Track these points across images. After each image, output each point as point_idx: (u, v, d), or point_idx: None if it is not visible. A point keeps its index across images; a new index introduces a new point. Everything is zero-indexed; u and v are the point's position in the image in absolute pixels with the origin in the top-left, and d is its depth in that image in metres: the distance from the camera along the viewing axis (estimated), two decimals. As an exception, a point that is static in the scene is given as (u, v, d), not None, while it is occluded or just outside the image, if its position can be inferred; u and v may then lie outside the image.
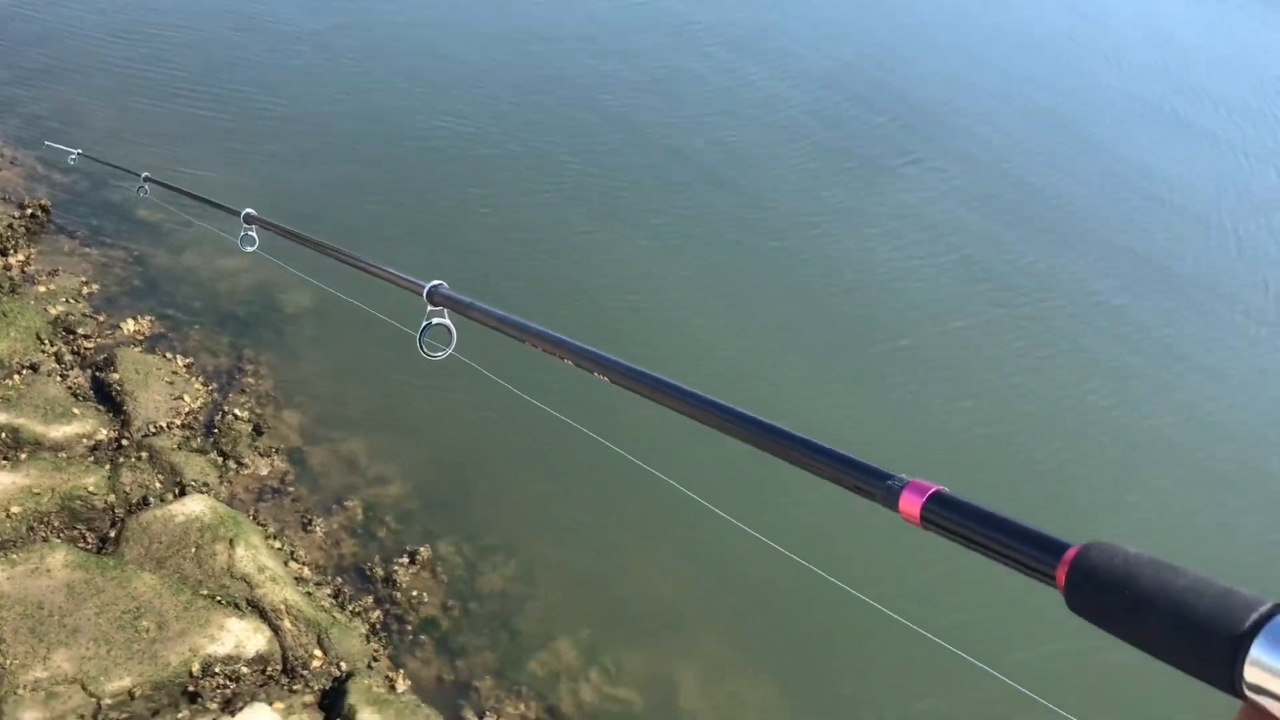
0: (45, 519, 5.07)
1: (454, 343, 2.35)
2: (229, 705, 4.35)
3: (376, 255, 2.71)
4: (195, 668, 4.46)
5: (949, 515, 1.07)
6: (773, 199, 9.82)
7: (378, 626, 5.15)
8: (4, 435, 5.43)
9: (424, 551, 5.53)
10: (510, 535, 5.85)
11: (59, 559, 4.70)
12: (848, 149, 11.03)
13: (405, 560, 5.47)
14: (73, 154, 6.75)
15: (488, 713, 4.81)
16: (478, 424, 6.54)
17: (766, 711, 5.21)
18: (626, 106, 11.02)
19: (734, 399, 1.47)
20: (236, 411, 6.13)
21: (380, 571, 5.41)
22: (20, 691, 4.09)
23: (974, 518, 1.04)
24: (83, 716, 4.13)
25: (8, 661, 4.18)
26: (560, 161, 9.68)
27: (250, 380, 6.44)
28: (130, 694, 4.27)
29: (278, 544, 5.33)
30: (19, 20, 10.04)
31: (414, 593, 5.33)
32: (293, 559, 5.28)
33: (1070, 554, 0.85)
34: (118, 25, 10.41)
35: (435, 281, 2.29)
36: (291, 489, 5.85)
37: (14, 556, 4.67)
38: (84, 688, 4.21)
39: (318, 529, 5.59)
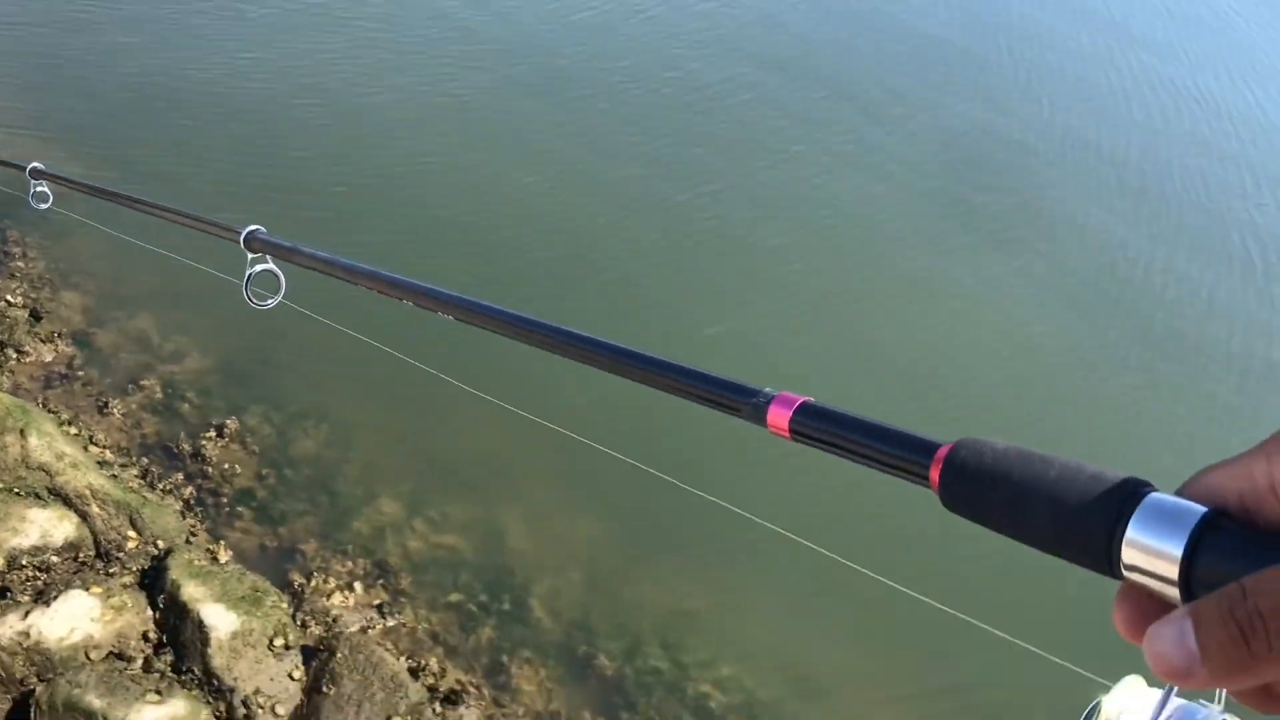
0: None
1: (283, 288, 2.27)
2: (42, 595, 4.25)
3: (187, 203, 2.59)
4: (0, 562, 4.33)
5: (818, 425, 1.05)
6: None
7: (192, 502, 5.08)
8: None
9: (231, 424, 5.44)
10: (319, 401, 5.78)
11: None
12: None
13: (212, 434, 5.37)
14: None
15: (315, 572, 4.87)
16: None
17: (595, 551, 5.39)
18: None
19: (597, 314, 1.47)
20: (9, 298, 5.77)
21: (187, 448, 5.30)
22: None
23: (843, 425, 1.01)
24: (-117, 623, 3.97)
25: None
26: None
27: (19, 264, 6.06)
28: (-68, 595, 4.12)
29: (74, 430, 5.14)
30: None
31: (225, 465, 5.26)
32: (92, 443, 5.11)
33: (941, 453, 0.83)
34: None
35: (252, 226, 2.17)
36: (81, 373, 5.60)
37: None
38: (-121, 594, 4.03)
39: (115, 411, 5.41)
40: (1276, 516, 0.59)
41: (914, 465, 0.89)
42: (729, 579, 5.36)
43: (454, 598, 5.00)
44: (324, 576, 4.86)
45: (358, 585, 4.88)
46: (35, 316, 5.73)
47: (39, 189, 3.56)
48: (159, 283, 6.24)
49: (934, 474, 0.83)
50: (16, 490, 4.60)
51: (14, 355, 5.52)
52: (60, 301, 5.93)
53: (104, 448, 5.14)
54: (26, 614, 4.09)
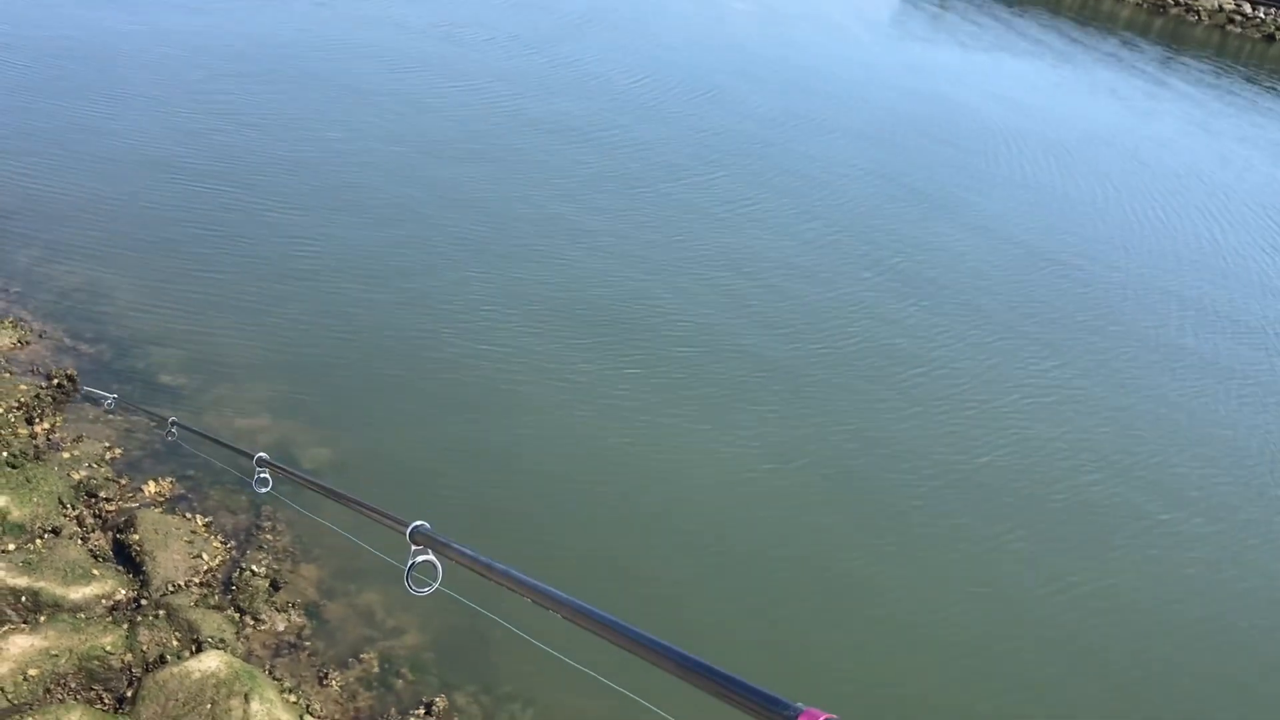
0: (62, 680, 5.07)
1: (439, 577, 2.52)
2: None
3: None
4: (208, 827, 4.39)
5: None
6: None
7: (394, 780, 5.07)
8: (24, 599, 5.48)
9: (440, 702, 5.49)
10: (527, 683, 5.80)
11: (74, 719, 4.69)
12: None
13: (421, 712, 5.43)
14: (109, 399, 7.09)
15: None
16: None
17: None
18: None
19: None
20: (254, 568, 6.17)
21: (397, 724, 5.36)
22: None
23: None
24: None
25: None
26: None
27: (268, 537, 6.51)
28: None
29: (293, 698, 5.30)
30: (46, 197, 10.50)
31: (431, 744, 5.26)
32: (308, 712, 5.24)
33: None
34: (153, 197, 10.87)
35: (418, 522, 2.48)
36: (308, 643, 5.84)
37: (30, 719, 4.66)
38: None
39: (334, 682, 5.56)
40: None
41: None
42: None
43: None
44: None
45: None
46: (274, 586, 6.08)
47: (261, 475, 4.08)
48: (387, 563, 6.55)
49: None
50: (233, 754, 4.73)
51: (251, 622, 5.83)
52: (299, 574, 6.29)
53: (318, 718, 5.25)
54: None
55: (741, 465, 8.04)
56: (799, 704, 1.25)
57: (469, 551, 2.28)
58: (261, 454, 4.13)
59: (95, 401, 7.26)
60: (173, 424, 6.25)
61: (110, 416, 7.32)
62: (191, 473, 6.97)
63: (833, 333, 10.29)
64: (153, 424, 7.11)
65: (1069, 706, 6.57)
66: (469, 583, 2.50)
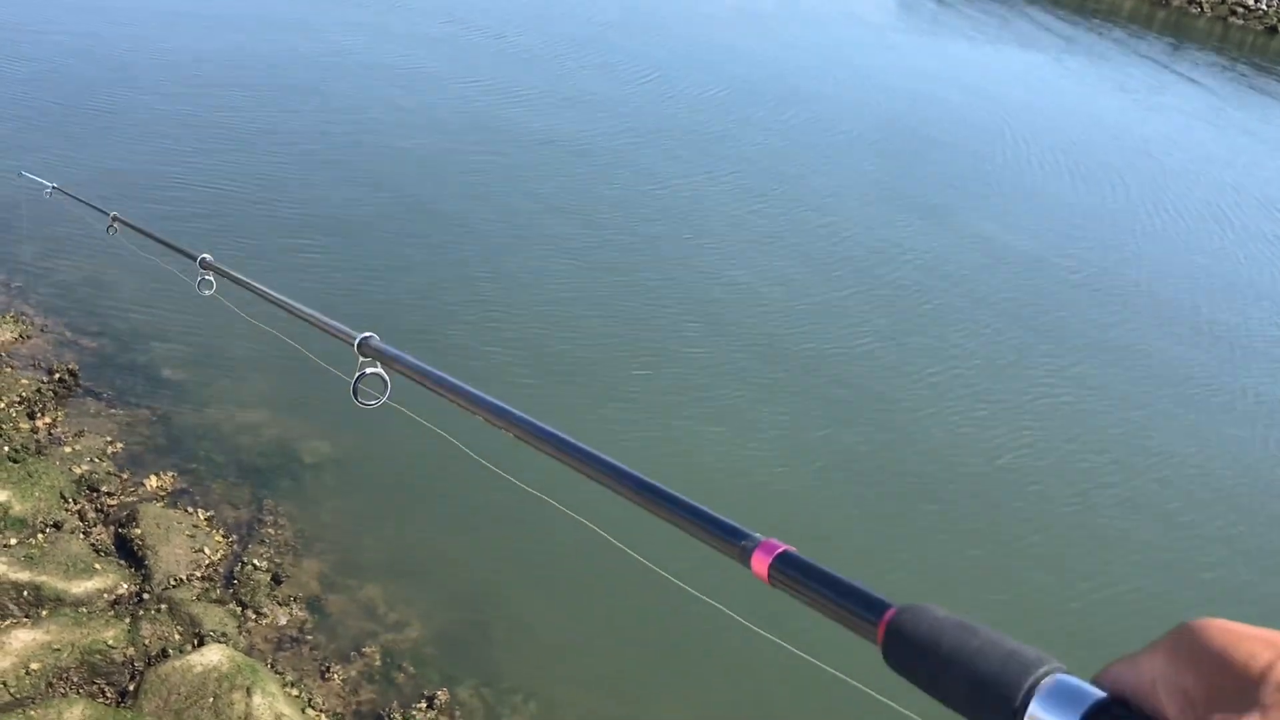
0: (64, 674, 5.08)
1: (389, 391, 2.38)
2: None
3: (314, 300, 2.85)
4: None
5: (791, 574, 1.12)
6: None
7: (397, 773, 5.07)
8: (25, 593, 5.48)
9: (442, 695, 5.48)
10: (529, 677, 5.80)
11: (76, 714, 4.70)
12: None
13: (423, 705, 5.42)
14: (48, 187, 6.84)
15: None
16: (502, 562, 6.58)
17: None
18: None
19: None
20: (256, 562, 6.17)
21: (399, 717, 5.35)
22: None
23: (810, 576, 1.09)
24: None
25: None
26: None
27: (270, 530, 6.51)
28: None
29: (295, 692, 5.30)
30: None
31: (433, 738, 5.26)
32: (310, 706, 5.24)
33: (887, 615, 0.89)
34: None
35: (366, 333, 2.34)
36: (310, 637, 5.84)
37: (32, 714, 4.67)
38: (98, 844, 4.15)
39: (335, 676, 5.56)
40: (1157, 711, 0.67)
41: (864, 623, 0.95)
42: None
43: None
44: None
45: None
46: (276, 580, 6.08)
47: (205, 277, 3.95)
48: (391, 554, 6.56)
49: (879, 634, 0.89)
50: (235, 748, 4.74)
51: (253, 616, 5.84)
52: (301, 567, 6.29)
53: (320, 711, 5.26)
54: None
55: (755, 467, 7.99)
56: (757, 534, 1.21)
57: (420, 364, 2.13)
58: (205, 255, 3.92)
59: (34, 191, 6.96)
60: (114, 218, 5.72)
61: (112, 410, 7.31)
62: (193, 467, 6.97)
63: (846, 332, 10.26)
64: (95, 223, 6.60)
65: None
66: (416, 398, 2.35)
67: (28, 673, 4.96)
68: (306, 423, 7.56)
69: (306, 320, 2.77)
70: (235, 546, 6.36)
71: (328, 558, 6.42)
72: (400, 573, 6.42)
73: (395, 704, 5.46)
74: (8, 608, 5.42)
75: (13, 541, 5.79)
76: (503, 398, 1.88)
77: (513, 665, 5.86)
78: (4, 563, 5.59)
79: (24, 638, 5.14)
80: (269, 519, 6.60)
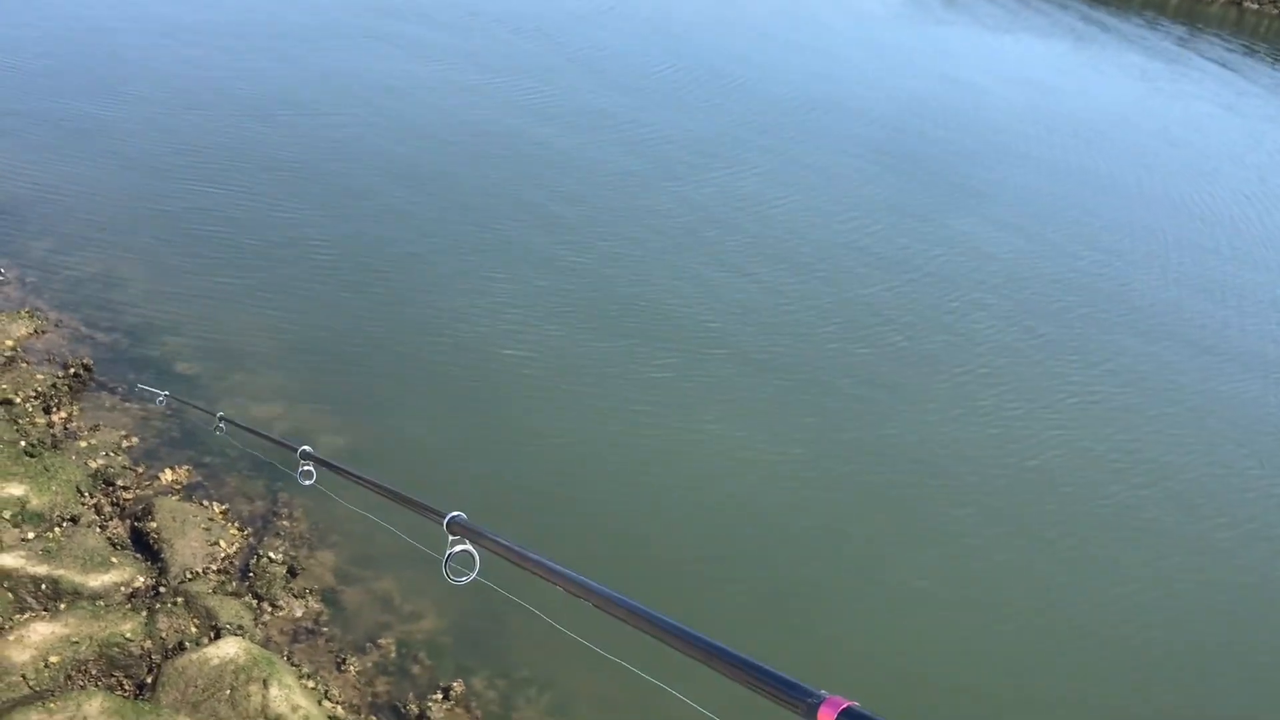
0: (83, 667, 5.11)
1: (477, 567, 2.60)
2: None
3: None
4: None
5: None
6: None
7: (412, 765, 5.09)
8: (44, 586, 5.51)
9: (457, 686, 5.50)
10: (545, 667, 5.81)
11: (95, 706, 4.72)
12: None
13: (439, 696, 5.44)
14: (161, 395, 7.09)
15: None
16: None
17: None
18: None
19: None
20: (271, 554, 6.19)
21: (414, 709, 5.38)
22: (54, 840, 4.06)
23: None
24: None
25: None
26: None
27: (285, 523, 6.53)
28: (163, 840, 4.23)
29: (311, 684, 5.32)
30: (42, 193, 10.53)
31: (448, 729, 5.28)
32: (326, 698, 5.26)
33: None
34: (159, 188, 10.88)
35: (455, 513, 2.57)
36: (326, 629, 5.87)
37: (51, 705, 4.69)
38: (117, 835, 4.18)
39: (351, 668, 5.59)
40: None
41: None
42: None
43: None
44: None
45: None
46: (292, 573, 6.10)
47: (305, 468, 4.18)
48: (406, 547, 6.56)
49: None
50: (253, 740, 4.76)
51: (269, 609, 5.86)
52: (316, 560, 6.31)
53: (336, 703, 5.28)
54: None
55: (780, 469, 7.95)
56: (822, 691, 1.30)
57: (504, 541, 2.36)
58: (306, 447, 4.22)
59: (148, 400, 7.24)
60: (220, 419, 6.38)
61: (126, 404, 7.35)
62: (208, 460, 7.00)
63: (870, 333, 10.22)
64: (202, 420, 7.06)
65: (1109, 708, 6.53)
66: (502, 571, 2.53)
67: (47, 665, 4.98)
68: (321, 417, 7.58)
69: (399, 502, 3.07)
70: (251, 539, 6.38)
71: (343, 550, 6.44)
72: (415, 564, 6.41)
73: (411, 695, 5.48)
74: (26, 601, 5.46)
75: (30, 535, 5.82)
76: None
77: (528, 656, 5.87)
78: (22, 556, 5.62)
79: (43, 631, 5.17)
80: (284, 512, 6.62)
